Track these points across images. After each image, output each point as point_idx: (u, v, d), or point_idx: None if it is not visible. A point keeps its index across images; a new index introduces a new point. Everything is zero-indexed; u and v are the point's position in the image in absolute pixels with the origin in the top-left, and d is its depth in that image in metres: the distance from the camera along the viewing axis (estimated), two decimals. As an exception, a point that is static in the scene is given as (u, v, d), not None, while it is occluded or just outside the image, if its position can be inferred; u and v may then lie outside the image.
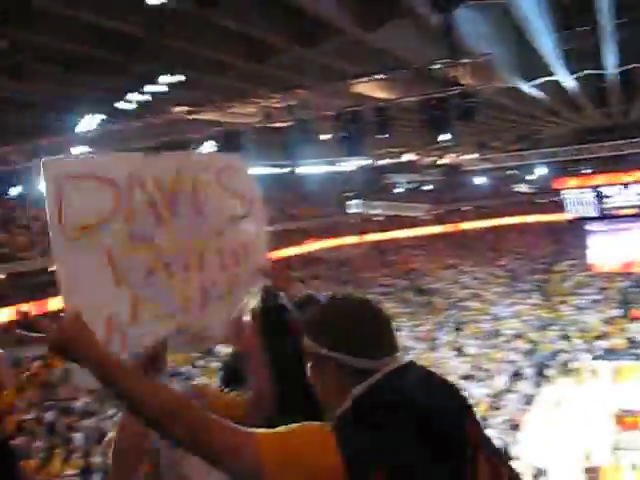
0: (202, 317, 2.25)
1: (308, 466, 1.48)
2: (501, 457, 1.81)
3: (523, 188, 42.37)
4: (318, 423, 1.60)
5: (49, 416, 18.25)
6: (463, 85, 11.51)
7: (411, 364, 1.84)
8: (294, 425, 1.57)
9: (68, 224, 1.92)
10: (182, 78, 14.02)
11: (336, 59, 14.53)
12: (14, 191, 17.79)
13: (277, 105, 15.39)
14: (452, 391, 1.89)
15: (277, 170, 43.77)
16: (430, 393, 1.73)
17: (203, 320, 2.26)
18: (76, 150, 18.78)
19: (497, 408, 23.40)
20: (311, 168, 44.65)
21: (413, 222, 42.38)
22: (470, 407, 1.83)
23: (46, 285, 25.54)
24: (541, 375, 26.86)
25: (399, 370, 1.74)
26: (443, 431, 1.60)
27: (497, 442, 19.83)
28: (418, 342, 30.09)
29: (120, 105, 14.76)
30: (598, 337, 29.96)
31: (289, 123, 14.87)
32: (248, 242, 2.59)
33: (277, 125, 15.35)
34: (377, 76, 13.67)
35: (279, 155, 15.54)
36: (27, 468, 15.59)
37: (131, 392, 1.54)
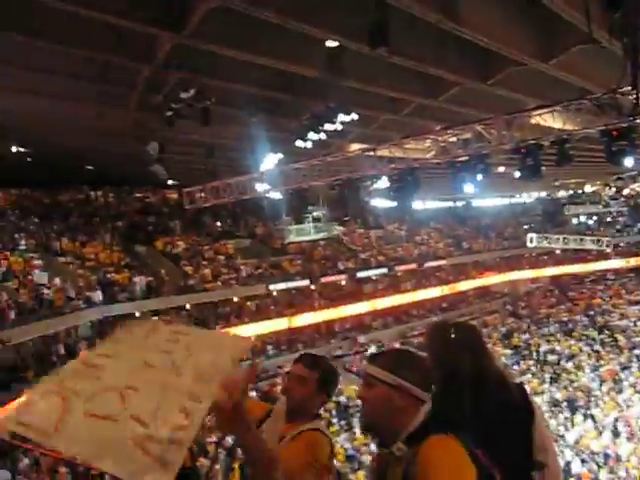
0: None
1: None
2: None
3: None
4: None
5: (230, 439, 18.92)
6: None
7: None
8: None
9: None
10: (356, 116, 14.31)
11: (511, 90, 14.31)
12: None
13: (452, 139, 15.32)
14: None
15: (451, 204, 43.70)
16: None
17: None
18: (260, 187, 19.69)
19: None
20: (487, 201, 44.11)
21: (595, 256, 40.42)
22: None
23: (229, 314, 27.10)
24: None
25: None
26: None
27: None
28: (601, 382, 28.43)
29: (299, 144, 15.27)
30: None
31: (464, 158, 14.73)
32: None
33: (453, 159, 15.24)
34: (556, 107, 13.28)
35: (454, 189, 15.40)
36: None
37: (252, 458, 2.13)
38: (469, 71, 13.22)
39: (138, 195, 32.66)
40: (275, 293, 29.68)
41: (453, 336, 2.85)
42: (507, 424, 2.69)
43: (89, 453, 1.90)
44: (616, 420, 24.24)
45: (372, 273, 34.93)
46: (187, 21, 10.08)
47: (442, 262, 38.23)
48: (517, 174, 14.22)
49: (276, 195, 22.40)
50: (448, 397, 2.58)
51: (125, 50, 11.65)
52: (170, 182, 26.32)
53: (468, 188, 14.97)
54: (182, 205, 22.99)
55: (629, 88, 10.47)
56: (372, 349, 30.25)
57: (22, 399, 2.03)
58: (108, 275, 24.47)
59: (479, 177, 14.49)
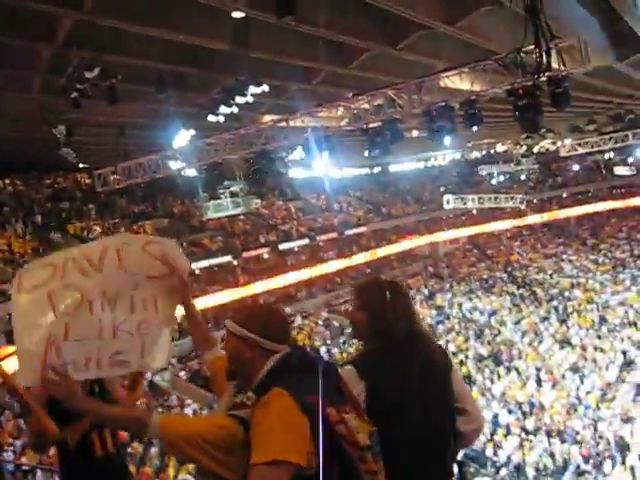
0: (113, 344, 3.07)
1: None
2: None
3: (622, 171, 40.76)
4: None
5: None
6: (552, 70, 11.12)
7: (293, 350, 2.65)
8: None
9: (24, 287, 3.05)
10: (267, 88, 14.16)
11: (420, 55, 14.40)
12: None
13: (364, 106, 15.33)
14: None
15: (369, 170, 43.97)
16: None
17: (114, 346, 3.08)
18: (174, 165, 19.33)
19: (608, 400, 22.59)
20: (403, 165, 44.60)
21: (509, 213, 41.58)
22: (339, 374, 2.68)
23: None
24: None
25: (289, 352, 2.61)
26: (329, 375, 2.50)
27: (609, 435, 19.23)
28: (522, 335, 29.42)
29: (210, 118, 15.04)
30: None
31: (378, 123, 14.78)
32: (159, 296, 3.28)
33: (367, 126, 15.26)
34: (464, 68, 13.42)
35: (370, 155, 15.47)
36: (143, 474, 16.16)
37: (97, 417, 2.96)
38: (378, 37, 13.21)
39: (48, 181, 31.60)
40: (197, 271, 29.35)
41: (389, 295, 2.98)
42: (432, 379, 2.93)
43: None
44: (538, 370, 25.15)
45: (294, 245, 34.99)
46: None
47: (363, 229, 38.56)
48: (430, 137, 14.37)
49: (191, 172, 22.08)
50: (383, 354, 2.91)
51: (24, 31, 11.16)
52: (81, 165, 25.60)
53: (381, 154, 15.10)
54: (94, 188, 22.36)
55: (532, 47, 10.64)
56: (298, 320, 30.42)
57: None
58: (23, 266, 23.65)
59: (394, 142, 14.63)
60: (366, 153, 15.74)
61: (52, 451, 15.68)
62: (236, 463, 2.37)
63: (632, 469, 17.45)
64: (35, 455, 16.37)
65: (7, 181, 30.12)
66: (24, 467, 14.76)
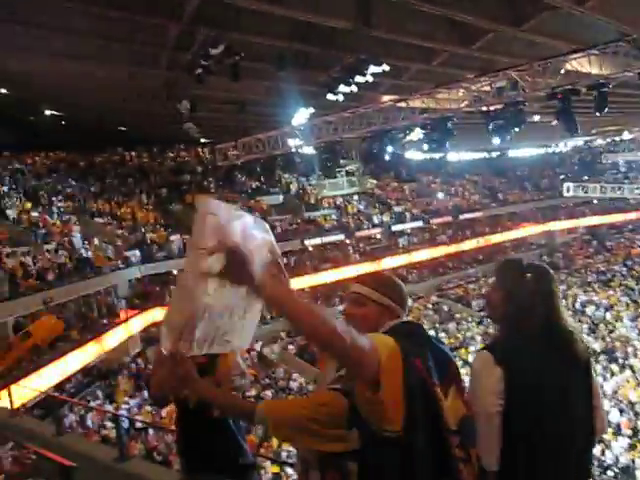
0: (226, 325, 3.24)
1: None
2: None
3: None
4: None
5: (268, 395, 19.31)
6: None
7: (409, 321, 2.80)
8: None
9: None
10: (387, 68, 14.12)
11: (545, 36, 13.97)
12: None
13: (486, 88, 15.09)
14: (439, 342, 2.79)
15: (487, 154, 43.11)
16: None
17: (226, 327, 3.24)
18: (292, 142, 19.65)
19: None
20: (523, 151, 43.43)
21: (633, 205, 39.81)
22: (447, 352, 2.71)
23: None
24: None
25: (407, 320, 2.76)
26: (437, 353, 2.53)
27: None
28: (639, 332, 28.27)
29: (330, 97, 15.15)
30: None
31: (499, 106, 14.52)
32: None
33: (486, 109, 15.03)
34: (593, 50, 12.97)
35: (489, 139, 15.20)
36: (248, 442, 16.62)
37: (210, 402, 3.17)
38: (502, 17, 12.92)
39: (171, 154, 32.80)
40: (310, 248, 29.76)
41: (530, 277, 2.82)
42: (574, 375, 2.77)
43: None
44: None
45: (407, 226, 34.86)
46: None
47: (478, 214, 37.95)
48: (554, 122, 13.99)
49: (308, 150, 22.35)
50: (520, 340, 2.73)
51: (153, 9, 11.62)
52: (202, 140, 26.40)
53: (502, 138, 14.81)
54: (215, 163, 23.02)
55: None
56: (409, 302, 30.32)
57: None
58: (145, 235, 24.79)
59: (514, 127, 14.32)
60: (486, 137, 15.51)
61: (164, 413, 16.34)
62: (342, 434, 2.43)
63: None
64: (149, 414, 17.22)
65: (133, 153, 31.52)
66: (138, 424, 15.45)
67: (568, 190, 36.18)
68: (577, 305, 31.78)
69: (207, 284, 2.91)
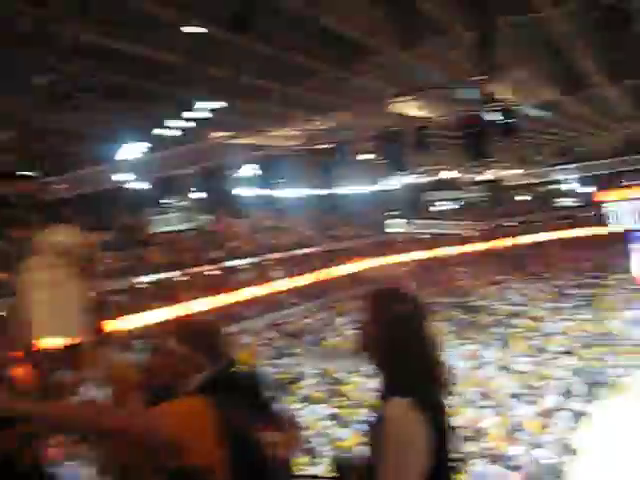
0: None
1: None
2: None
3: (566, 202, 41.83)
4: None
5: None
6: (500, 101, 11.38)
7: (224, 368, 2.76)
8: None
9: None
10: (221, 104, 14.12)
11: (373, 79, 14.52)
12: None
13: (317, 128, 15.42)
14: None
15: (318, 192, 43.92)
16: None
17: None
18: (122, 177, 19.08)
19: (547, 427, 22.90)
20: (353, 189, 44.71)
21: (458, 240, 42.17)
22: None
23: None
24: (592, 393, 26.25)
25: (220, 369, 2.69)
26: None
27: (549, 461, 19.44)
28: (464, 360, 29.68)
29: (160, 132, 14.92)
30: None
31: (330, 145, 14.86)
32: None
33: (318, 147, 15.34)
34: (416, 94, 13.61)
35: (320, 177, 15.53)
36: None
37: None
38: (332, 60, 13.29)
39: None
40: (144, 286, 28.91)
41: (401, 307, 2.72)
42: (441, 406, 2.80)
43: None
44: (478, 395, 25.38)
45: (242, 262, 34.76)
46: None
47: (312, 249, 38.55)
48: (382, 161, 14.50)
49: (140, 185, 21.80)
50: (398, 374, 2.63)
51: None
52: (27, 173, 25.10)
53: (332, 176, 15.15)
54: (39, 196, 21.91)
55: (482, 77, 10.86)
56: (244, 338, 30.20)
57: None
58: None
59: (344, 165, 14.70)
60: (317, 175, 15.80)
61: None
62: None
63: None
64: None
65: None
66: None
67: (396, 227, 37.63)
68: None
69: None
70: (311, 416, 22.67)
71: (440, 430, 2.57)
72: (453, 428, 2.80)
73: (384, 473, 2.33)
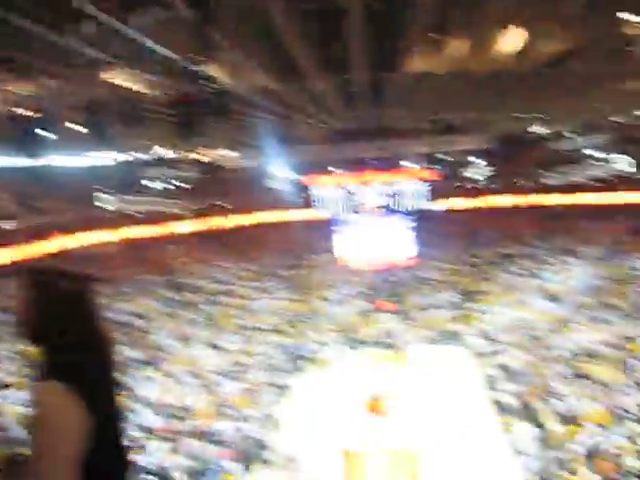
0: None
1: None
2: None
3: (275, 185, 43.50)
4: None
5: None
6: (216, 82, 11.37)
7: None
8: None
9: None
10: None
11: (86, 46, 13.70)
12: None
13: (23, 92, 14.25)
14: None
15: (22, 162, 41.01)
16: None
17: None
18: None
19: (253, 402, 23.67)
20: (61, 160, 42.38)
21: (171, 219, 41.85)
22: None
23: None
24: (296, 367, 27.72)
25: None
26: None
27: (255, 435, 20.15)
28: (173, 339, 29.69)
29: None
30: (351, 329, 31.69)
31: (35, 113, 13.83)
32: None
33: (23, 113, 14.22)
34: (131, 66, 13.07)
35: (22, 145, 14.38)
36: None
37: None
38: (43, 21, 12.32)
39: None
40: None
41: (64, 286, 2.59)
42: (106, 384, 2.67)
43: None
44: (188, 373, 25.54)
45: None
46: None
47: (13, 223, 35.82)
48: (87, 131, 13.82)
49: None
50: (57, 354, 2.51)
51: None
52: None
53: (40, 145, 14.19)
54: None
55: (201, 57, 10.75)
56: None
57: None
58: None
59: (51, 134, 13.81)
60: (25, 143, 14.65)
61: None
62: None
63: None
64: None
65: None
66: None
67: (104, 201, 36.46)
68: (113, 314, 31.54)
69: None
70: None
71: (100, 412, 2.49)
72: (118, 408, 2.72)
73: (34, 458, 2.29)
